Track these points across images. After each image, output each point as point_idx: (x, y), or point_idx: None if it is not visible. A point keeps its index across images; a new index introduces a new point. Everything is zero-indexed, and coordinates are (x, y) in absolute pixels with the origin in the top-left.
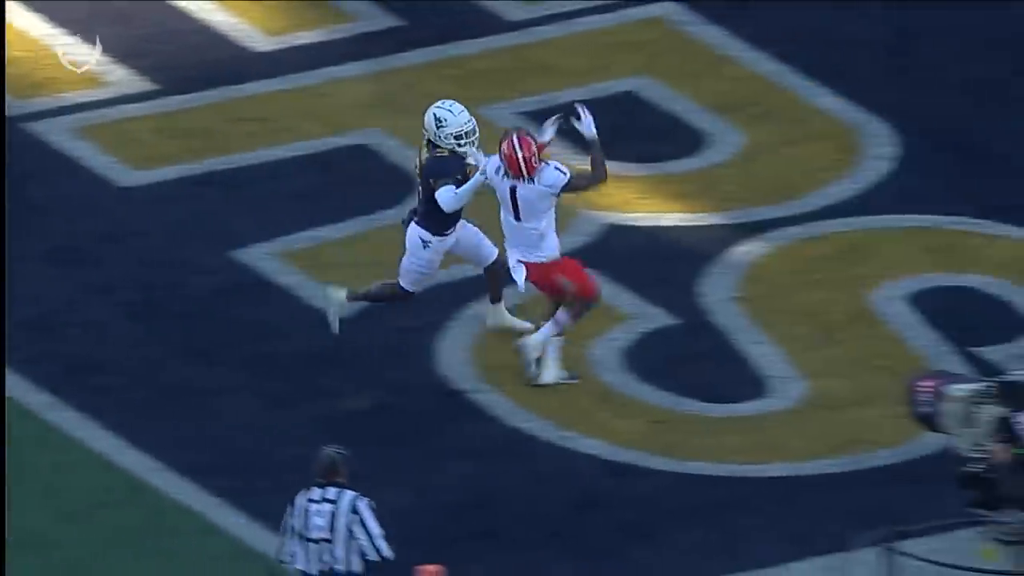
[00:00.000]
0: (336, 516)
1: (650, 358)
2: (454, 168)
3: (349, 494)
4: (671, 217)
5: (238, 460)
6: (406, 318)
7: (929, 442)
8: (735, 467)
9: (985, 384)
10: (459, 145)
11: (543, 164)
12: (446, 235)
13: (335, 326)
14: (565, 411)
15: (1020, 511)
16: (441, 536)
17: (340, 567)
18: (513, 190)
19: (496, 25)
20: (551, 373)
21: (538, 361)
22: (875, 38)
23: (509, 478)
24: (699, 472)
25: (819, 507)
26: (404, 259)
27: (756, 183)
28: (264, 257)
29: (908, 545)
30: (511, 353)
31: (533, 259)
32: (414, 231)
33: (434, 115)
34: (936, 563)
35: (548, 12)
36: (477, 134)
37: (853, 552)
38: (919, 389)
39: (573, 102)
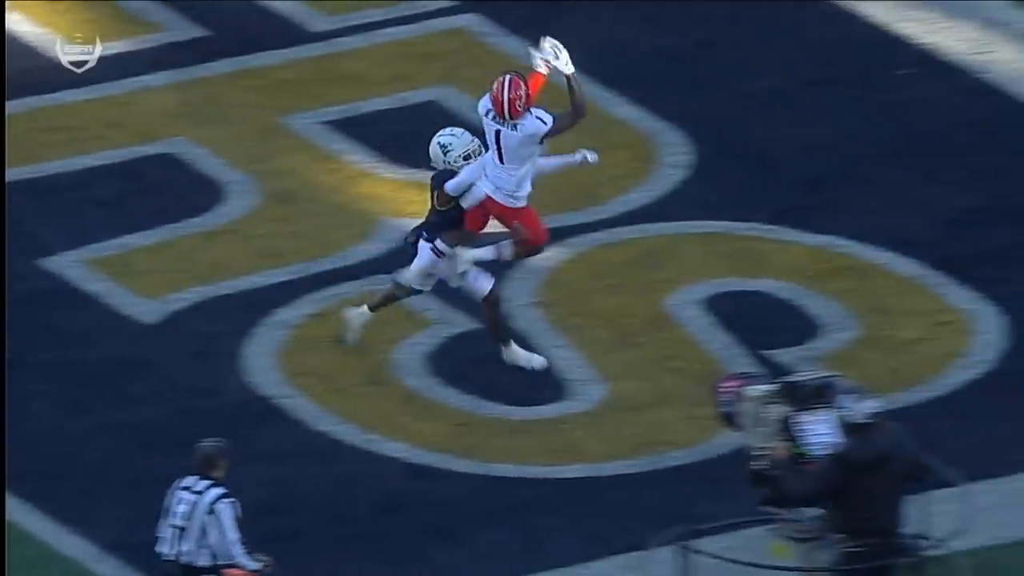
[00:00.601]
0: (195, 509)
1: (452, 362)
2: None
3: (214, 492)
4: None
5: (45, 466)
6: (213, 323)
7: (724, 442)
8: (536, 468)
9: (777, 385)
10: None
11: (527, 112)
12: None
13: (531, 362)
14: (369, 415)
15: (805, 508)
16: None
17: (186, 559)
18: (498, 133)
19: (300, 36)
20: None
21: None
22: (670, 48)
23: (313, 481)
24: (501, 474)
25: (618, 507)
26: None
27: (556, 190)
28: (71, 264)
29: (704, 543)
30: (316, 358)
31: (501, 200)
32: (425, 248)
33: (439, 143)
34: (730, 560)
35: (352, 23)
36: (482, 150)
37: (651, 551)
38: (722, 389)
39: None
